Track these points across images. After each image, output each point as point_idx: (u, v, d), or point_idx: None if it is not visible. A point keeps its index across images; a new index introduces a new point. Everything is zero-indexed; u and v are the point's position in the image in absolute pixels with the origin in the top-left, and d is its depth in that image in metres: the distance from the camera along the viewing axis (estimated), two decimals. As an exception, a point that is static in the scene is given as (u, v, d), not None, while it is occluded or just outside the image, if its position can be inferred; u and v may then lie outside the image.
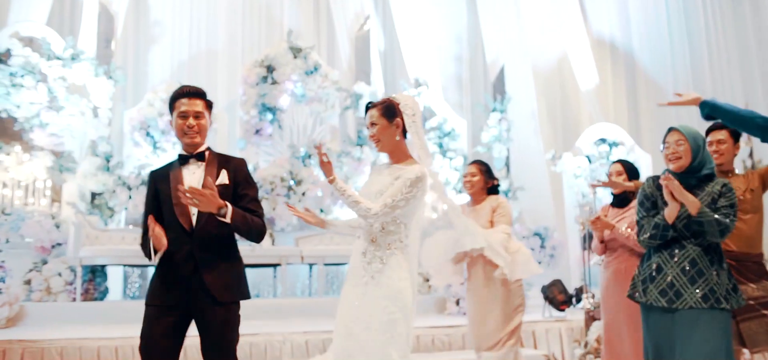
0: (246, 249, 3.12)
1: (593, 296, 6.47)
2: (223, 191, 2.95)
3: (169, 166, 3.12)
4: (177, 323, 2.94)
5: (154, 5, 10.36)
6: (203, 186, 2.87)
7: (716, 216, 3.13)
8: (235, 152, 9.09)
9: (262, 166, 9.15)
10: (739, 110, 3.46)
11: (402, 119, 3.14)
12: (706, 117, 3.59)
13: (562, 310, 7.20)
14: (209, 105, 3.13)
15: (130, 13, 10.12)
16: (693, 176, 3.28)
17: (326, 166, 3.08)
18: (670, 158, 3.31)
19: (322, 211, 8.89)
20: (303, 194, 8.85)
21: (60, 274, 7.23)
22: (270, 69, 9.58)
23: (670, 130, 3.34)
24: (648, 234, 3.31)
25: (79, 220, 7.50)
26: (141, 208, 8.24)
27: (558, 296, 7.23)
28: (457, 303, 7.56)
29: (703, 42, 11.77)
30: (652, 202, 3.38)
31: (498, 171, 9.87)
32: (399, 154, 3.18)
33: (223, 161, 3.09)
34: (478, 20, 11.45)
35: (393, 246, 3.04)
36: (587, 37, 11.85)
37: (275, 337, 5.79)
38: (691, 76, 11.63)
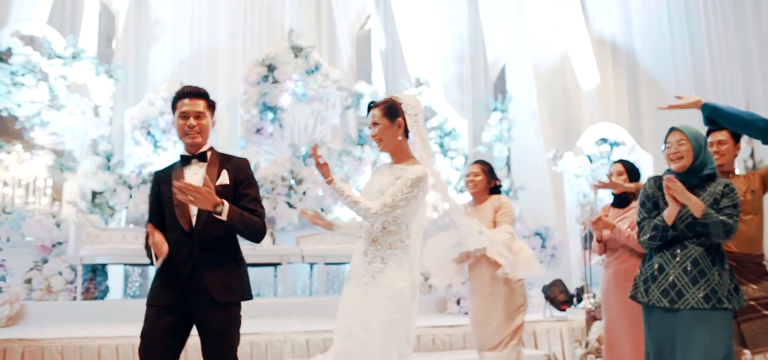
0: (246, 248, 3.11)
1: (594, 296, 6.46)
2: (223, 191, 2.93)
3: (171, 167, 3.12)
4: (177, 324, 2.93)
5: (155, 4, 10.36)
6: (203, 185, 2.87)
7: (721, 217, 3.13)
8: (235, 151, 9.10)
9: (262, 166, 9.15)
10: (740, 113, 3.45)
11: (404, 119, 3.13)
12: (707, 119, 3.58)
13: (563, 309, 7.20)
14: (211, 105, 3.12)
15: (130, 11, 10.12)
16: (695, 176, 3.27)
17: (323, 168, 3.07)
18: (671, 158, 3.30)
19: (322, 210, 8.87)
20: (304, 193, 8.85)
21: (60, 273, 7.23)
22: (271, 68, 9.57)
23: (672, 130, 3.33)
24: (648, 235, 3.31)
25: (79, 219, 7.50)
26: (141, 207, 8.29)
27: (559, 296, 7.22)
28: (458, 302, 7.55)
29: (705, 42, 11.76)
30: (653, 203, 3.37)
31: (499, 170, 9.86)
32: (401, 154, 3.17)
33: (225, 161, 3.07)
34: (479, 19, 11.45)
35: (394, 246, 3.04)
36: (588, 37, 11.83)
37: (276, 337, 5.79)
38: (693, 76, 11.62)
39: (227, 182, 2.99)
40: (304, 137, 9.69)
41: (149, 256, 2.99)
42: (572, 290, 7.96)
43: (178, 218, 2.95)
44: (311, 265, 8.53)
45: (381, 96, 9.86)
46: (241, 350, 3.02)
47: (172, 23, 10.36)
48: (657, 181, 3.40)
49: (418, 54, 10.99)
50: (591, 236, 4.72)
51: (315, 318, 6.79)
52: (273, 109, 9.56)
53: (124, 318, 6.48)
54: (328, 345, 5.51)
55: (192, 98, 3.04)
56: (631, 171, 4.54)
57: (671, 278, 3.20)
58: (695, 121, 3.49)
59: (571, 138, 11.20)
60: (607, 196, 6.62)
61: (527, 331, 6.42)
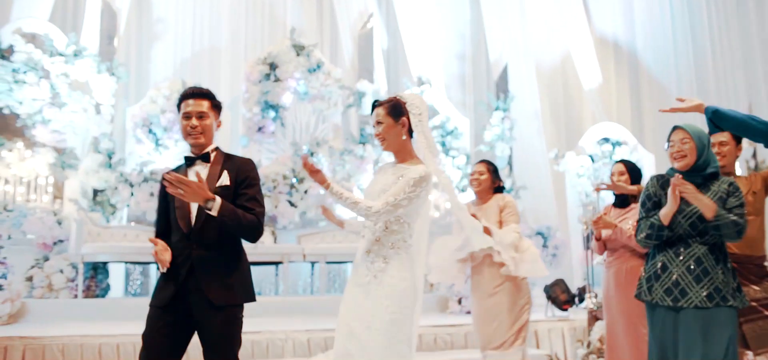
0: (247, 247, 3.10)
1: (596, 296, 6.44)
2: (223, 192, 2.92)
3: (177, 169, 3.12)
4: (177, 324, 2.92)
5: (157, 2, 10.36)
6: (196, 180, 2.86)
7: (733, 217, 3.12)
8: (237, 149, 9.10)
9: (264, 164, 9.14)
10: (742, 117, 3.44)
11: (408, 118, 3.12)
12: (711, 122, 3.57)
13: (565, 309, 7.19)
14: (217, 106, 3.11)
15: (132, 9, 10.13)
16: (698, 175, 3.26)
17: (318, 176, 3.05)
18: (675, 157, 3.30)
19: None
20: (305, 192, 8.85)
21: (62, 271, 7.23)
22: (273, 66, 9.57)
23: (675, 128, 3.32)
24: (644, 234, 3.33)
25: (80, 217, 7.50)
26: (143, 205, 8.30)
27: (560, 296, 7.21)
28: (459, 302, 7.55)
29: (707, 41, 11.75)
30: (654, 202, 3.36)
31: (501, 170, 9.85)
32: (404, 154, 3.16)
33: (228, 162, 3.06)
34: (481, 18, 11.44)
35: (397, 245, 3.03)
36: (591, 36, 11.83)
37: (277, 335, 5.78)
38: (695, 76, 11.61)
39: (227, 183, 2.97)
40: (306, 136, 9.68)
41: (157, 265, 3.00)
42: (574, 290, 7.95)
43: (179, 220, 2.95)
44: (312, 263, 8.52)
45: (383, 95, 9.87)
46: (243, 349, 3.01)
47: (174, 21, 10.36)
48: (660, 179, 3.39)
49: (420, 53, 10.99)
50: (592, 236, 4.72)
51: (316, 317, 6.79)
52: (275, 107, 9.56)
53: (125, 316, 6.48)
54: (330, 344, 5.51)
55: (196, 99, 3.04)
56: (633, 171, 4.54)
57: (674, 277, 3.20)
58: (697, 122, 3.48)
59: (573, 137, 11.19)
60: (608, 196, 6.61)
61: (529, 331, 6.39)
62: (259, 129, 9.52)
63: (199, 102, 3.04)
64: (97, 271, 7.67)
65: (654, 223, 3.25)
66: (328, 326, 5.58)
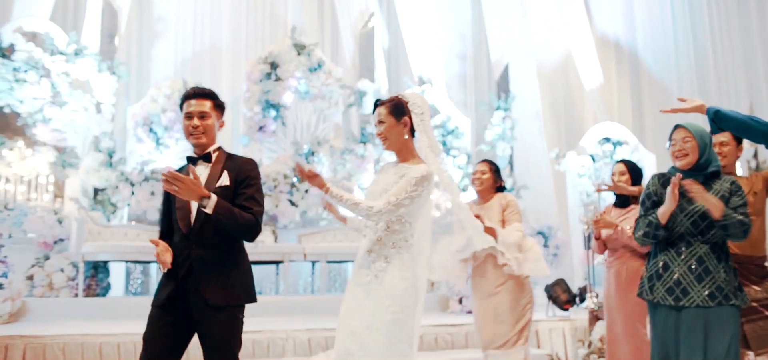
0: (248, 246, 3.09)
1: (597, 296, 6.44)
2: (223, 192, 2.91)
3: (181, 169, 3.10)
4: (177, 324, 2.92)
5: (158, 1, 10.36)
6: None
7: (739, 217, 3.11)
8: (238, 149, 9.10)
9: (265, 163, 9.14)
10: (744, 118, 3.43)
11: (410, 118, 3.11)
12: (712, 123, 3.56)
13: (566, 309, 7.18)
14: (219, 106, 3.10)
15: (133, 8, 10.13)
16: (700, 173, 3.26)
17: (315, 181, 3.03)
18: (676, 155, 3.29)
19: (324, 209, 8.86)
20: (306, 191, 8.84)
21: (62, 270, 7.23)
22: (274, 66, 9.57)
23: (677, 127, 3.32)
24: (641, 232, 3.34)
25: (81, 216, 7.50)
26: (143, 205, 8.30)
27: (561, 295, 7.20)
28: (460, 301, 7.54)
29: (708, 41, 11.74)
30: (654, 201, 3.36)
31: (501, 169, 9.85)
32: (406, 153, 3.15)
33: (229, 162, 3.05)
34: (482, 18, 11.44)
35: (398, 245, 3.02)
36: (592, 36, 11.82)
37: (278, 335, 5.78)
38: (696, 76, 11.60)
39: (227, 183, 2.96)
40: (307, 135, 9.68)
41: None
42: (575, 290, 7.94)
43: (179, 220, 2.95)
44: (313, 263, 8.51)
45: (384, 94, 9.87)
46: (243, 348, 3.00)
47: (175, 20, 10.37)
48: (661, 178, 3.38)
49: (421, 52, 10.99)
50: (593, 235, 4.72)
51: (317, 316, 6.78)
52: (276, 106, 9.56)
53: (125, 315, 6.48)
54: (330, 343, 5.51)
55: (198, 99, 3.04)
56: (634, 171, 4.55)
57: (676, 276, 3.19)
58: (698, 122, 3.48)
59: (573, 137, 11.19)
60: (609, 196, 6.61)
61: (530, 331, 6.41)
62: (260, 128, 9.52)
63: (201, 102, 3.03)
64: (98, 270, 7.67)
65: (652, 221, 3.26)
66: (329, 326, 5.58)
